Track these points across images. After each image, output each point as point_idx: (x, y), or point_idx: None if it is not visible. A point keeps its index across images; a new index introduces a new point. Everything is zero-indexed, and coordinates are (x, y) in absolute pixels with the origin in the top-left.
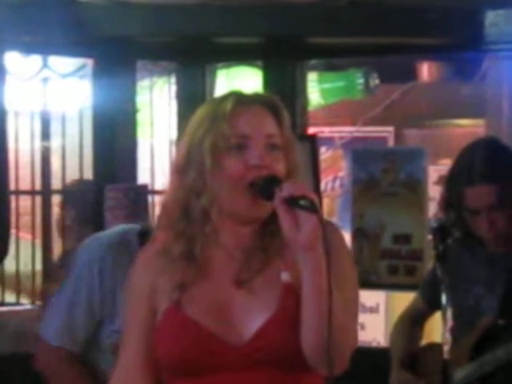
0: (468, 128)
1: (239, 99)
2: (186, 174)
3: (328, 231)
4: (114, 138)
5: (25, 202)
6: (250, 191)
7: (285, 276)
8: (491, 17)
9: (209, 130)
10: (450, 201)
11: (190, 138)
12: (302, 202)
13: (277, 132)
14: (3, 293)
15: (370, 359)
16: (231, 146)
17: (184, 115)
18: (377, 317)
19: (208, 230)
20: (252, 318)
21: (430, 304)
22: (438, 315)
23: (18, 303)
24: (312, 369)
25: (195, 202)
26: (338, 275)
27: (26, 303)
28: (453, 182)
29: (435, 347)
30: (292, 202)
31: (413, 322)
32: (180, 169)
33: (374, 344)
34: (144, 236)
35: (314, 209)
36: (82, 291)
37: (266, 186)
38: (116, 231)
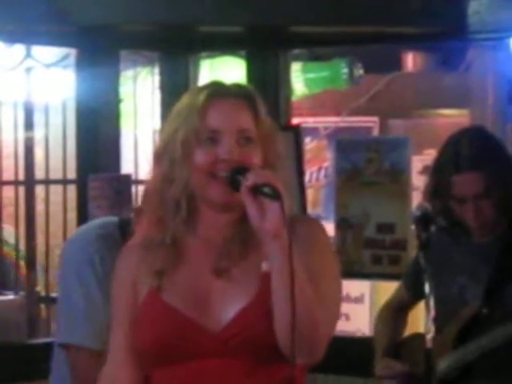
0: (452, 118)
1: (213, 92)
2: (161, 163)
3: (305, 224)
4: (98, 128)
5: (8, 192)
6: (216, 179)
7: (265, 265)
8: (474, 6)
9: (182, 122)
10: (437, 189)
11: (167, 129)
12: (265, 190)
13: (251, 125)
14: None
15: (355, 349)
16: (202, 139)
17: (167, 105)
18: (361, 307)
19: (179, 218)
20: (230, 306)
21: (414, 293)
22: (421, 304)
23: (1, 293)
24: (287, 360)
25: (168, 190)
26: (314, 267)
27: (9, 293)
28: (439, 170)
29: (419, 337)
30: (256, 190)
31: (396, 311)
32: (157, 157)
33: (359, 334)
34: (124, 227)
35: (277, 196)
36: (94, 287)
37: (233, 177)
38: (98, 223)
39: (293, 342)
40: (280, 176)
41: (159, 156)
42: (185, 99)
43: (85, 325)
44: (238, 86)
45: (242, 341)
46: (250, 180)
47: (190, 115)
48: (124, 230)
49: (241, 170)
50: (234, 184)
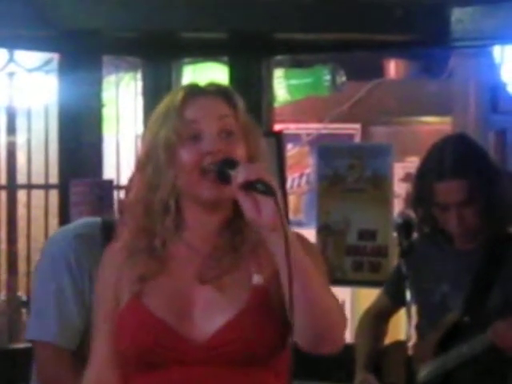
0: (435, 125)
1: (190, 91)
2: (145, 171)
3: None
4: (80, 133)
5: None
6: (204, 175)
7: (257, 279)
8: (457, 14)
9: (162, 125)
10: (420, 196)
11: (147, 136)
12: (259, 186)
13: (230, 117)
14: None
15: (336, 355)
16: (185, 138)
17: (150, 111)
18: None
19: (169, 222)
20: (214, 316)
21: (395, 301)
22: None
23: None
24: (269, 368)
25: (154, 196)
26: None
27: None
28: (422, 178)
29: (400, 345)
30: (248, 187)
31: (377, 318)
32: (140, 166)
33: None
34: (107, 228)
35: (271, 191)
36: (67, 285)
37: (221, 170)
38: (80, 223)
39: (291, 314)
40: None
41: (142, 164)
42: (162, 104)
43: (53, 322)
44: (214, 85)
45: (225, 352)
46: (241, 176)
47: (168, 116)
48: (107, 231)
49: (228, 161)
50: (222, 176)
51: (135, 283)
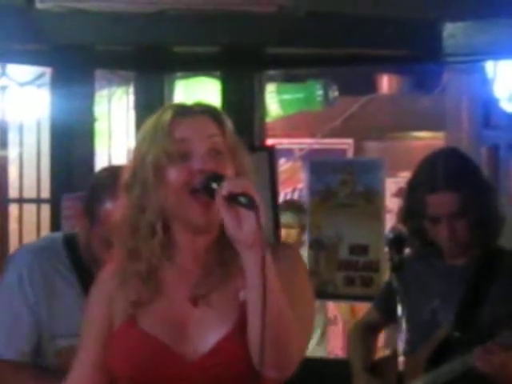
0: (427, 140)
1: (178, 110)
2: (132, 192)
3: (283, 249)
4: (72, 147)
5: None
6: (195, 197)
7: (243, 295)
8: (449, 29)
9: (150, 145)
10: (411, 209)
11: (135, 155)
12: (242, 199)
13: (218, 133)
14: None
15: (329, 370)
16: (174, 157)
17: (142, 125)
18: (335, 328)
19: (155, 244)
20: (208, 334)
21: (385, 315)
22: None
23: None
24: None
25: (141, 218)
26: (290, 287)
27: None
28: (414, 190)
29: (392, 359)
30: (231, 200)
31: (367, 332)
32: (127, 187)
33: (333, 356)
34: (69, 242)
35: (253, 206)
36: (20, 303)
37: (207, 185)
38: (41, 238)
39: (262, 353)
40: None
41: (129, 186)
42: (148, 124)
43: (3, 336)
44: (201, 105)
45: (220, 370)
46: (225, 189)
47: (157, 137)
48: (68, 244)
49: (216, 177)
50: (208, 192)
51: (129, 307)
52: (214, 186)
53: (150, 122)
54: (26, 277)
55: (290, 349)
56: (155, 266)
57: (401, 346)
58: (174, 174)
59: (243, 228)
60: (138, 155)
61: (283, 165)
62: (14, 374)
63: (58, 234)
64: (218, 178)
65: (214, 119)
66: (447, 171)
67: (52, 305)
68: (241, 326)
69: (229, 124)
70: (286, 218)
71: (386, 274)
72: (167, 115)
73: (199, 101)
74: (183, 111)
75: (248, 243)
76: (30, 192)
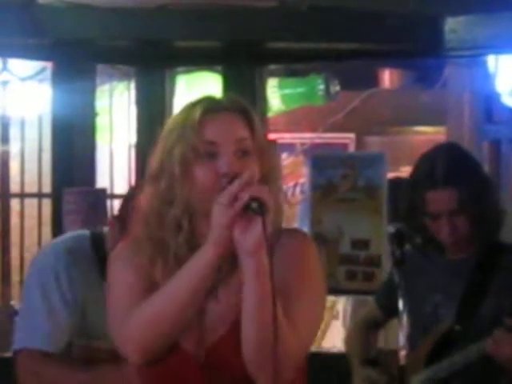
0: (429, 135)
1: (208, 107)
2: (159, 183)
3: (292, 236)
4: (73, 142)
5: None
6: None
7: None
8: (451, 23)
9: (178, 139)
10: (411, 206)
11: (162, 146)
12: (252, 205)
13: (248, 137)
14: None
15: (331, 364)
16: (201, 155)
17: (143, 120)
18: (336, 323)
19: (181, 239)
20: (211, 329)
21: (387, 311)
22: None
23: None
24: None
25: (168, 210)
26: (293, 284)
27: None
28: (414, 187)
29: (391, 354)
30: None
31: (367, 328)
32: (153, 177)
33: (334, 350)
34: (96, 241)
35: (260, 211)
36: (53, 293)
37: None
38: (69, 236)
39: (273, 366)
40: (274, 188)
41: (155, 176)
42: (177, 116)
43: (41, 328)
44: (231, 100)
45: (219, 368)
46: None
47: (185, 131)
48: (96, 244)
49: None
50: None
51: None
52: (254, 205)
53: (178, 115)
54: (62, 274)
55: (285, 361)
56: (179, 258)
57: (402, 340)
58: (200, 173)
59: (248, 235)
60: (166, 147)
61: (285, 159)
62: (56, 365)
63: (85, 233)
64: (255, 198)
65: (244, 117)
66: (446, 168)
67: (86, 306)
68: (239, 323)
69: (258, 122)
70: None
71: (387, 269)
72: (197, 111)
73: (229, 97)
74: (213, 107)
75: (250, 250)
76: (31, 187)
